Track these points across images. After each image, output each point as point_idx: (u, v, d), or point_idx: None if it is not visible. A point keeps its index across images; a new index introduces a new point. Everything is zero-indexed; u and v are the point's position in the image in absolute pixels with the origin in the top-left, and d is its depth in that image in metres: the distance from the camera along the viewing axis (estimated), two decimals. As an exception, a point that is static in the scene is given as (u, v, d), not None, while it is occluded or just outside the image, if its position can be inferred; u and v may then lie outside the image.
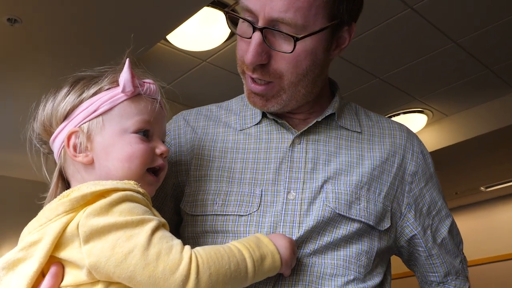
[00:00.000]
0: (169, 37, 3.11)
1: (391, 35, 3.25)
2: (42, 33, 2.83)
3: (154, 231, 0.75)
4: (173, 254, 0.73)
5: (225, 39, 3.17)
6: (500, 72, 3.91)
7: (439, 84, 4.05)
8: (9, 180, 5.11)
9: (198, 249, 0.77)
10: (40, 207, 0.83)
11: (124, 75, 0.84)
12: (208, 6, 2.82)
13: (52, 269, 0.75)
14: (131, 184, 0.80)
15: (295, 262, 0.90)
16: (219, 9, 2.90)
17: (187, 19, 2.81)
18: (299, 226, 0.94)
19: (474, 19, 3.14)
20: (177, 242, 0.76)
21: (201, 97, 3.89)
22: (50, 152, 0.90)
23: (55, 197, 0.84)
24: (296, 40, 0.90)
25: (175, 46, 3.22)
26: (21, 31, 2.78)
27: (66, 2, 2.57)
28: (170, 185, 1.05)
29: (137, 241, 0.72)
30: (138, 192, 0.79)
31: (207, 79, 3.68)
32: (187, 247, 0.76)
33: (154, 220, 0.76)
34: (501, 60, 3.72)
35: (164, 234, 0.76)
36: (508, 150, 5.00)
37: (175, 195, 1.06)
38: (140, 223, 0.74)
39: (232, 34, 3.13)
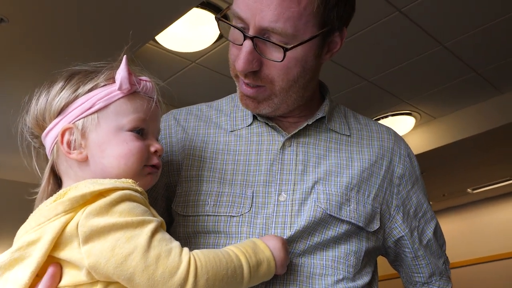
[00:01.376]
0: (158, 37, 3.10)
1: (379, 37, 3.27)
2: (30, 32, 2.81)
3: (154, 233, 0.75)
4: (172, 257, 0.73)
5: (214, 41, 3.17)
6: (487, 75, 3.95)
7: (427, 87, 4.08)
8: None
9: (197, 252, 0.77)
10: (29, 204, 0.82)
11: (121, 73, 0.83)
12: (197, 7, 2.82)
13: (50, 270, 0.74)
14: (129, 182, 0.79)
15: (289, 261, 0.91)
16: (208, 10, 2.90)
17: (176, 20, 2.80)
18: (290, 227, 0.95)
19: (461, 22, 3.17)
20: (176, 244, 0.76)
21: (190, 98, 3.88)
22: (41, 146, 0.89)
23: (47, 193, 0.84)
24: (286, 50, 0.90)
25: (164, 47, 3.21)
26: (8, 31, 2.76)
27: (53, 2, 2.55)
28: (162, 185, 1.05)
29: (137, 243, 0.72)
30: (136, 191, 0.79)
31: (196, 80, 3.68)
32: (186, 249, 0.76)
33: (154, 221, 0.76)
34: (487, 63, 3.76)
35: (164, 236, 0.76)
36: (494, 152, 5.05)
37: (166, 195, 1.06)
38: (140, 224, 0.74)
39: (221, 36, 3.13)
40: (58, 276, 0.74)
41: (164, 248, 0.74)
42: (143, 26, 2.80)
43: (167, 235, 0.77)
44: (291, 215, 0.96)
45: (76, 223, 0.72)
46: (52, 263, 0.75)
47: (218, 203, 0.98)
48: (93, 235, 0.72)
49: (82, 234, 0.72)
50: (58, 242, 0.73)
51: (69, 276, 0.74)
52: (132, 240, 0.72)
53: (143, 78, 0.89)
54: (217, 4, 2.86)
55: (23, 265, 0.74)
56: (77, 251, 0.72)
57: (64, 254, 0.73)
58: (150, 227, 0.74)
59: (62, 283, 0.74)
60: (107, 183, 0.77)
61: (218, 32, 3.09)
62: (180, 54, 3.33)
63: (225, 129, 1.08)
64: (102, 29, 2.81)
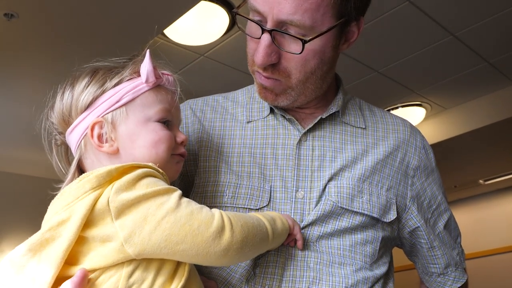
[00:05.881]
0: (167, 31, 3.10)
1: (389, 28, 3.24)
2: (39, 28, 2.83)
3: (181, 197, 0.78)
4: (205, 211, 0.77)
5: (222, 33, 3.16)
6: (499, 65, 3.91)
7: (437, 78, 4.05)
8: (4, 175, 5.11)
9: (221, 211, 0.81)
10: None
11: (147, 66, 0.86)
12: (205, 0, 2.81)
13: (79, 272, 0.73)
14: (150, 165, 0.82)
15: (300, 229, 0.94)
16: (217, 3, 2.89)
17: (184, 13, 2.80)
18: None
19: (472, 12, 3.14)
20: (203, 205, 0.79)
21: (199, 91, 3.88)
22: (63, 143, 0.91)
23: None
24: (304, 42, 0.90)
25: (173, 41, 3.21)
26: (18, 26, 2.77)
27: (63, -3, 2.56)
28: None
29: (168, 207, 0.75)
30: (157, 171, 0.82)
31: (205, 74, 3.68)
32: (213, 209, 0.79)
33: (178, 190, 0.79)
34: (499, 53, 3.72)
35: (190, 200, 0.79)
36: (506, 143, 5.01)
37: (182, 185, 1.06)
38: (166, 191, 0.77)
39: (230, 28, 3.12)
40: (86, 283, 0.74)
41: (195, 206, 0.77)
42: (152, 19, 2.80)
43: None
44: (308, 213, 0.97)
45: (107, 199, 0.74)
46: (80, 269, 0.74)
47: (236, 195, 0.99)
48: (124, 209, 0.74)
49: (113, 210, 0.74)
50: (89, 219, 0.74)
51: (97, 257, 0.74)
52: (162, 206, 0.75)
53: (165, 72, 0.92)
54: (225, -3, 2.85)
55: (54, 245, 0.74)
56: (110, 225, 0.74)
57: (96, 230, 0.74)
58: (177, 193, 0.78)
59: (90, 267, 0.74)
60: (128, 163, 0.80)
61: (227, 25, 3.08)
62: (189, 47, 3.33)
63: (241, 121, 1.08)
64: (111, 24, 2.82)
